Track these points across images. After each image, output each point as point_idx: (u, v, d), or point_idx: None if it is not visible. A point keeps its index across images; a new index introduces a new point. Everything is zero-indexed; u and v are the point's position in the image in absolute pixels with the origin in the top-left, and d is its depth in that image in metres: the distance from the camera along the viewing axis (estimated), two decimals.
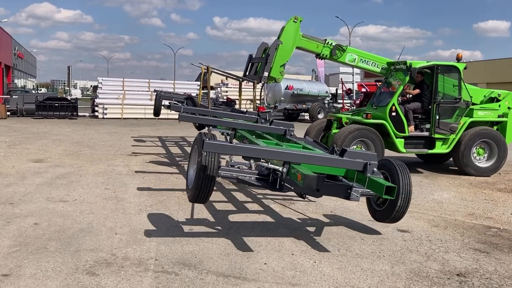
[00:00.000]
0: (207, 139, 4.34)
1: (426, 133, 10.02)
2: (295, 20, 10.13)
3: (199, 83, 32.48)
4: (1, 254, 4.48)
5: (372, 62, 10.90)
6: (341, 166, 4.70)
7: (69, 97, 29.45)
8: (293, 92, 25.69)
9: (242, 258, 4.66)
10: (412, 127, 9.95)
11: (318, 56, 10.68)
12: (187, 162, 5.40)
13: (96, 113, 25.95)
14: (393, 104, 9.70)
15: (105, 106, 25.53)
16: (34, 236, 5.08)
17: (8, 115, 23.65)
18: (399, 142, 9.78)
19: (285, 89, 25.77)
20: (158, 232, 5.39)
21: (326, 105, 26.64)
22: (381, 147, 9.55)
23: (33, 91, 41.77)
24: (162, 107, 12.20)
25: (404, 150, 9.86)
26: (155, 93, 13.47)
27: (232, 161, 4.76)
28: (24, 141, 13.61)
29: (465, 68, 10.05)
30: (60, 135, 15.93)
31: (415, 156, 11.78)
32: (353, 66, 11.34)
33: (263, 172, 4.78)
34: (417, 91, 10.21)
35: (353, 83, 28.88)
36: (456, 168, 10.23)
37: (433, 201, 7.55)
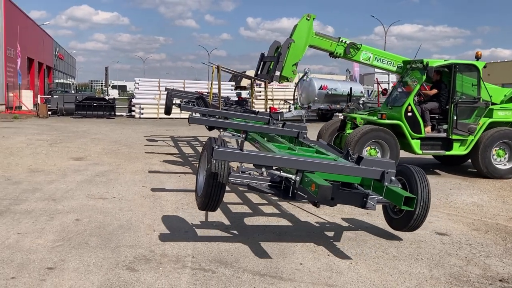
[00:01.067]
0: (216, 146, 4.18)
1: (443, 134, 9.70)
2: (308, 18, 9.90)
3: (233, 83, 32.84)
4: (46, 248, 4.65)
5: (388, 61, 10.62)
6: (358, 175, 4.53)
7: (107, 97, 30.12)
8: (327, 92, 25.47)
9: (277, 258, 4.67)
10: (428, 128, 9.65)
11: (332, 54, 10.40)
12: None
13: (133, 113, 26.49)
14: (409, 104, 9.42)
15: (142, 106, 26.03)
16: (76, 231, 5.24)
17: (49, 114, 24.47)
18: (415, 143, 9.50)
19: (319, 89, 25.58)
20: (194, 230, 5.47)
21: (361, 105, 26.30)
22: (396, 148, 9.30)
23: (73, 91, 42.94)
24: (174, 105, 12.27)
25: (420, 152, 9.57)
26: (166, 92, 13.50)
27: (243, 167, 4.57)
28: (64, 140, 14.05)
29: (484, 67, 9.69)
30: (99, 134, 16.35)
31: (432, 157, 11.47)
32: (368, 65, 11.01)
33: (275, 179, 4.60)
34: (434, 91, 9.89)
35: (388, 83, 28.42)
36: (475, 170, 9.90)
37: (473, 204, 7.35)
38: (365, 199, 4.39)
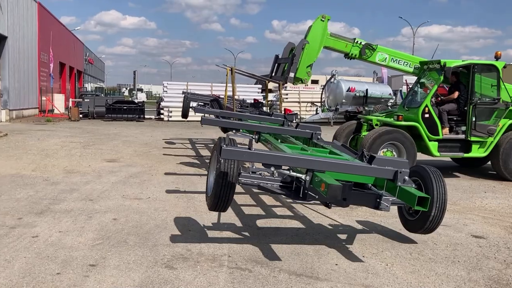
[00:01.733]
0: (224, 145, 4.14)
1: (461, 136, 9.50)
2: (323, 19, 9.83)
3: (259, 86, 32.93)
4: (87, 246, 4.79)
5: (404, 62, 10.48)
6: (369, 174, 4.44)
7: (136, 101, 30.66)
8: (355, 94, 25.28)
9: (312, 258, 4.69)
10: (446, 130, 9.48)
11: (347, 56, 10.31)
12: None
13: (162, 116, 26.87)
14: (426, 105, 9.27)
15: (170, 109, 26.37)
16: (114, 230, 5.38)
17: (80, 117, 25.06)
18: (433, 145, 9.34)
19: (347, 91, 25.41)
20: (229, 230, 5.55)
21: (389, 107, 26.02)
22: (413, 150, 9.13)
23: (102, 95, 43.79)
24: (190, 109, 12.36)
25: (437, 154, 9.41)
26: (183, 95, 13.59)
27: (254, 168, 4.50)
28: (97, 142, 14.38)
29: (504, 67, 9.46)
30: (129, 136, 16.67)
31: (450, 160, 11.30)
32: (383, 66, 10.86)
33: (286, 180, 4.54)
34: (456, 94, 9.68)
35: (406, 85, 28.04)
36: (495, 172, 9.67)
37: (509, 207, 7.21)
38: (378, 200, 4.34)
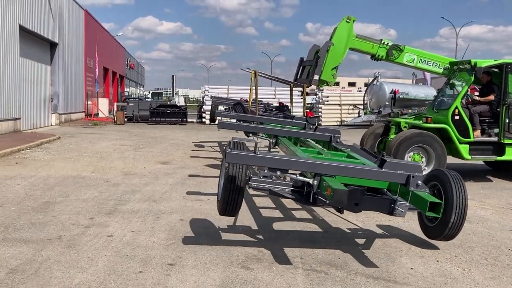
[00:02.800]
0: (229, 149, 4.08)
1: (494, 138, 9.18)
2: (348, 20, 9.68)
3: (300, 89, 32.85)
4: (161, 246, 4.91)
5: (433, 62, 10.17)
6: (380, 179, 4.29)
7: (178, 104, 31.17)
8: (398, 96, 24.86)
9: (386, 262, 4.65)
10: (478, 132, 9.16)
11: (374, 57, 10.11)
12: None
13: (203, 119, 27.21)
14: (456, 107, 8.97)
15: None
16: (184, 231, 5.49)
17: (125, 121, 25.68)
18: (463, 148, 9.04)
19: (390, 93, 25.03)
20: (296, 233, 5.56)
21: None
22: (442, 153, 8.85)
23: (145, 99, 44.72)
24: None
25: (469, 157, 9.09)
26: (211, 99, 13.70)
27: (266, 172, 4.35)
28: (146, 145, 14.70)
29: None
30: (176, 139, 16.96)
31: (483, 163, 10.93)
32: (411, 67, 10.50)
33: (297, 184, 4.41)
34: (492, 96, 9.33)
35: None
36: None
37: None
38: (392, 205, 4.20)
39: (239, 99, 17.12)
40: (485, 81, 9.62)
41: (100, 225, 5.62)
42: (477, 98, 9.71)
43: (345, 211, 4.58)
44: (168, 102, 47.79)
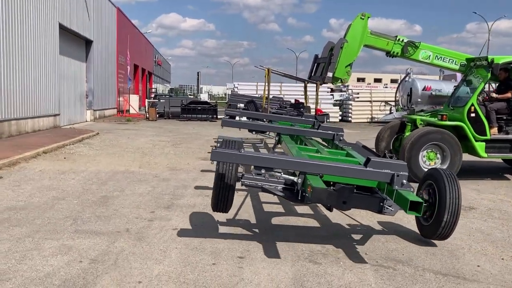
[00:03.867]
0: (214, 148, 4.17)
1: None
2: (362, 17, 9.58)
3: (329, 85, 32.71)
4: (227, 240, 5.04)
5: (449, 59, 10.01)
6: (364, 177, 4.29)
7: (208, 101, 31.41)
8: (431, 93, 24.43)
9: (451, 259, 4.68)
10: (495, 129, 8.96)
11: (389, 54, 10.00)
12: None
13: None
14: (472, 104, 8.82)
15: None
16: (244, 225, 5.62)
17: (157, 117, 26.06)
18: (480, 146, 8.88)
19: (422, 90, 24.62)
20: (356, 229, 5.63)
21: None
22: (458, 151, 8.72)
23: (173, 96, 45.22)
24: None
25: (485, 155, 8.92)
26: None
27: (259, 169, 4.44)
28: (183, 141, 14.93)
29: None
30: (210, 136, 17.15)
31: (501, 161, 10.74)
32: (427, 64, 10.28)
33: (288, 182, 4.50)
34: (509, 94, 9.13)
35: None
36: None
37: None
38: (381, 204, 4.24)
39: (257, 95, 17.22)
40: (503, 78, 9.46)
41: (163, 218, 5.79)
42: (494, 95, 9.57)
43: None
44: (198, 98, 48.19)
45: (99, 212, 5.97)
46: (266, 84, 14.93)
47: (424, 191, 4.72)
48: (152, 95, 46.01)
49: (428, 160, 8.82)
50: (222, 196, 4.49)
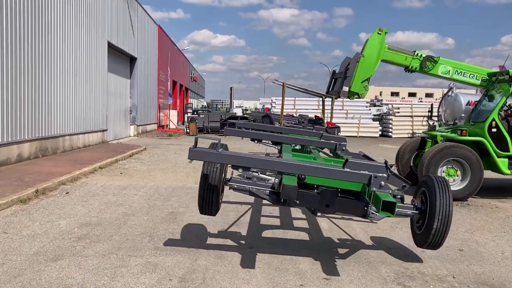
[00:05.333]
0: (192, 147, 4.07)
1: None
2: (380, 32, 9.44)
3: (367, 100, 32.45)
4: (306, 259, 4.99)
5: (470, 74, 9.74)
6: (340, 178, 4.12)
7: (248, 116, 31.59)
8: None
9: None
10: None
11: (407, 69, 9.81)
12: None
13: None
14: (493, 119, 8.53)
15: None
16: (320, 243, 5.56)
17: (197, 132, 26.38)
18: (502, 162, 8.59)
19: (466, 104, 24.12)
20: (426, 251, 5.50)
21: None
22: (479, 167, 8.43)
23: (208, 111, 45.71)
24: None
25: (508, 172, 8.63)
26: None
27: (249, 173, 4.35)
28: None
29: None
30: (252, 150, 17.18)
31: None
32: (447, 79, 10.12)
33: (275, 186, 4.33)
34: None
35: None
36: None
37: None
38: (366, 208, 4.10)
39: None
40: None
41: (235, 236, 5.80)
42: None
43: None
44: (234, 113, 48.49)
45: (172, 229, 6.02)
46: (283, 98, 15.05)
47: (417, 199, 4.54)
48: (189, 110, 46.78)
49: (448, 176, 8.60)
50: (206, 198, 4.39)
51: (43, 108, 12.53)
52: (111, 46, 19.22)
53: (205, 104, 71.60)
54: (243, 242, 5.59)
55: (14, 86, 10.91)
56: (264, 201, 7.66)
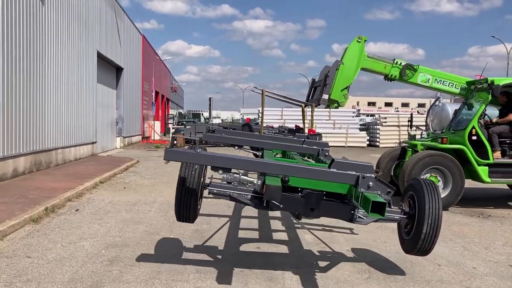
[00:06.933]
0: (168, 147, 3.82)
1: None
2: (359, 40, 9.45)
3: (353, 110, 32.54)
4: (360, 280, 4.73)
5: (449, 82, 9.91)
6: (326, 179, 3.87)
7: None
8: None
9: None
10: (498, 153, 8.68)
11: (387, 77, 9.82)
12: None
13: None
14: (473, 127, 8.60)
15: None
16: (360, 261, 5.32)
17: (184, 143, 25.91)
18: (482, 171, 8.61)
19: (453, 114, 24.49)
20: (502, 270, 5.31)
21: None
22: (460, 176, 8.44)
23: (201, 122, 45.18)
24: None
25: (488, 180, 8.65)
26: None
27: (229, 177, 4.01)
28: None
29: None
30: None
31: (507, 187, 10.47)
32: (426, 87, 10.16)
33: (256, 190, 4.00)
34: (510, 117, 8.85)
35: None
36: None
37: None
38: (353, 212, 3.88)
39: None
40: (504, 102, 9.25)
41: (213, 250, 5.50)
42: (495, 119, 9.28)
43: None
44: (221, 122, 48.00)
45: (203, 249, 5.68)
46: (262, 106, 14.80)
47: (405, 203, 4.31)
48: (170, 121, 46.08)
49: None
50: (184, 203, 4.04)
51: (37, 120, 11.98)
52: (99, 56, 18.69)
53: (179, 113, 70.47)
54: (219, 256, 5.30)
55: (9, 97, 10.37)
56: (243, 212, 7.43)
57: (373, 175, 3.80)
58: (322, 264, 5.21)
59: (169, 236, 6.22)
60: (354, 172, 3.79)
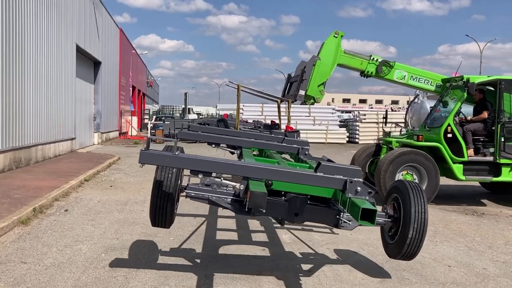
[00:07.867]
0: (143, 149, 3.49)
1: (490, 158, 8.77)
2: (336, 35, 9.43)
3: (333, 107, 32.65)
4: (374, 283, 4.61)
5: (425, 80, 9.98)
6: (313, 183, 3.67)
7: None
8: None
9: None
10: (471, 151, 8.78)
11: (363, 73, 9.85)
12: None
13: None
14: (449, 125, 8.63)
15: None
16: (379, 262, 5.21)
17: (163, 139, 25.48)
18: (457, 168, 8.66)
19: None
20: None
21: None
22: (435, 173, 8.49)
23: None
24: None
25: (463, 177, 8.70)
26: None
27: (207, 180, 3.77)
28: None
29: None
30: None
31: (479, 185, 10.68)
32: (402, 84, 10.20)
33: (237, 193, 3.79)
34: (485, 114, 8.93)
35: None
36: None
37: None
38: (338, 217, 3.77)
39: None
40: (478, 99, 9.28)
41: (189, 253, 5.33)
42: (469, 117, 9.33)
43: None
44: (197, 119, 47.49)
45: (208, 251, 5.48)
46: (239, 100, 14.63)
47: (389, 206, 4.12)
48: (146, 117, 45.34)
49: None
50: (159, 208, 3.78)
51: (17, 116, 11.47)
52: (78, 50, 18.09)
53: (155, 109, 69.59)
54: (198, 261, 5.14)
55: None
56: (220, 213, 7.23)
57: (361, 180, 3.61)
58: (305, 267, 5.03)
59: (168, 238, 5.98)
60: (341, 177, 3.61)
